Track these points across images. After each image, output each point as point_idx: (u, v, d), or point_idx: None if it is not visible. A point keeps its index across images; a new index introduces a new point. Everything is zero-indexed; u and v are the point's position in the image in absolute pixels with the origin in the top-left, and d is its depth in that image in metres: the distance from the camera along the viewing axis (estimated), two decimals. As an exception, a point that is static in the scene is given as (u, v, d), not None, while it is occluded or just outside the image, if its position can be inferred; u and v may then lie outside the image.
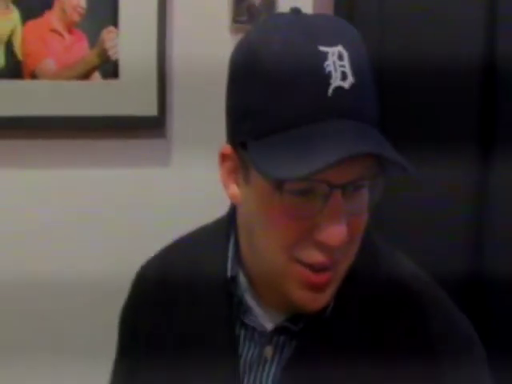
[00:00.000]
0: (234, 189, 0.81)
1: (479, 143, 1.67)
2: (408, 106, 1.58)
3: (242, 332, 0.87)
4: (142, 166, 1.31)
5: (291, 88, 0.72)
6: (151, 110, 1.26)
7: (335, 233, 0.72)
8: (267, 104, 0.73)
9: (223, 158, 0.81)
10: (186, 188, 1.31)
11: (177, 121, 1.31)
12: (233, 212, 0.91)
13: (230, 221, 0.92)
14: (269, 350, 0.84)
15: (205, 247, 0.94)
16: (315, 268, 0.76)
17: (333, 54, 0.72)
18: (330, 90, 0.71)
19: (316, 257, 0.75)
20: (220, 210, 0.94)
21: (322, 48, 0.72)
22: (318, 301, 0.78)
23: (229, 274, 0.87)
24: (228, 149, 0.79)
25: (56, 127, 1.26)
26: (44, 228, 1.32)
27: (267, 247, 0.77)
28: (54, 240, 1.32)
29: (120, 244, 1.32)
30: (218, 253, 0.90)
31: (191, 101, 1.31)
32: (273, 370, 0.85)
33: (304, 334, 0.83)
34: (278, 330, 0.84)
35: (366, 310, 0.84)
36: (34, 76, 1.22)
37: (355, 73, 0.72)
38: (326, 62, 0.71)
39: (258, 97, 0.74)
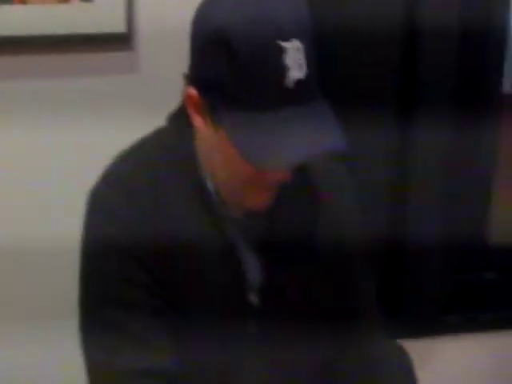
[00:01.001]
0: (201, 122, 0.95)
1: (399, 104, 1.72)
2: (331, 67, 1.58)
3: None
4: (112, 74, 1.47)
5: (258, 76, 0.87)
6: (120, 27, 1.42)
7: (286, 177, 0.97)
8: (235, 84, 0.87)
9: (189, 98, 0.95)
10: (153, 94, 1.47)
11: (143, 36, 1.46)
12: (177, 124, 1.05)
13: (180, 131, 1.03)
14: (245, 235, 1.06)
15: (163, 160, 1.04)
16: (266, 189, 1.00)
17: (292, 48, 0.86)
18: (289, 80, 0.87)
19: (268, 185, 0.98)
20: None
21: (282, 42, 0.86)
22: (266, 205, 1.02)
23: (208, 183, 1.03)
24: (194, 92, 0.93)
25: (36, 43, 1.39)
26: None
27: (229, 176, 0.98)
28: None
29: (91, 148, 1.46)
30: (187, 157, 1.03)
31: (158, 18, 1.45)
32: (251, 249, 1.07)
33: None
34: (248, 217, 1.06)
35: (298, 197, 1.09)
36: (22, 1, 1.36)
37: (308, 64, 0.88)
38: (286, 57, 0.86)
39: (226, 72, 0.88)
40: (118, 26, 1.40)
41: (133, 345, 1.02)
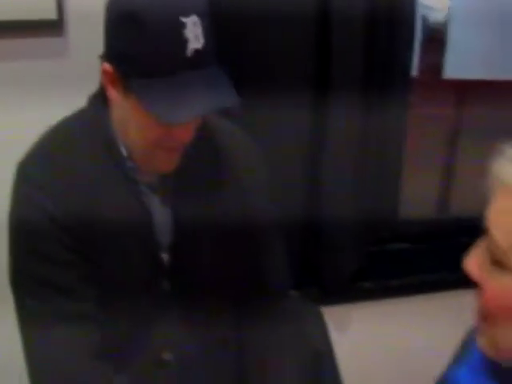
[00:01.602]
0: (114, 94, 1.09)
1: (314, 86, 1.76)
2: (247, 49, 1.63)
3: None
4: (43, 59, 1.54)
5: (163, 47, 1.01)
6: (51, 14, 1.49)
7: (189, 136, 1.11)
8: (143, 54, 1.01)
9: (104, 73, 1.08)
10: (82, 78, 1.51)
11: (73, 22, 1.52)
12: (96, 102, 1.17)
13: (98, 107, 1.17)
14: (158, 198, 1.19)
15: (83, 135, 1.17)
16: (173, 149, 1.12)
17: (190, 23, 1.01)
18: (189, 51, 1.01)
19: (174, 145, 1.11)
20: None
21: (182, 18, 1.01)
22: (172, 165, 1.15)
23: (123, 150, 1.16)
24: (108, 66, 1.07)
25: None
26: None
27: (140, 139, 1.11)
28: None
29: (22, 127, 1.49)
30: (103, 128, 1.16)
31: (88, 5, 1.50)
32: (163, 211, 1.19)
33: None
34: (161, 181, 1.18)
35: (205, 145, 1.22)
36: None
37: (205, 36, 1.02)
38: (185, 31, 1.01)
39: (136, 45, 1.01)
40: (49, 12, 1.47)
41: (57, 294, 1.14)
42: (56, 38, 1.52)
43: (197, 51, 1.02)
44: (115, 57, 1.06)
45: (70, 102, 1.26)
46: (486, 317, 0.87)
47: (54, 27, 1.50)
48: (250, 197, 1.27)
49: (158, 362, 1.22)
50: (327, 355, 1.54)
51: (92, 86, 1.21)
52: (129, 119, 1.11)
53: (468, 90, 2.31)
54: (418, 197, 2.16)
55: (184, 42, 1.01)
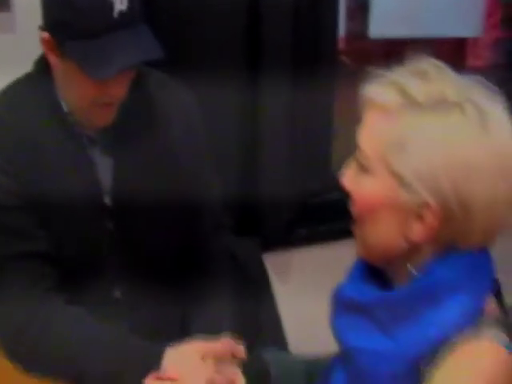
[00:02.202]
0: (54, 59, 1.24)
1: (247, 62, 1.85)
2: (180, 27, 1.71)
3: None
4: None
5: (91, 11, 1.14)
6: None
7: (121, 91, 1.24)
8: (74, 19, 1.15)
9: (43, 41, 1.22)
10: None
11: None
12: (40, 67, 1.30)
13: (42, 72, 1.29)
14: (99, 148, 1.33)
15: (29, 95, 1.30)
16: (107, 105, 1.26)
17: None
18: (115, 12, 1.15)
19: (109, 100, 1.25)
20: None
21: None
22: (108, 120, 1.29)
23: (64, 107, 1.30)
24: (46, 35, 1.21)
25: None
26: None
27: (78, 97, 1.25)
28: None
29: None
30: (45, 96, 1.29)
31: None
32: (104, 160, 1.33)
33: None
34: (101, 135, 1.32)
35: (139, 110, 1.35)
36: None
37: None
38: None
39: (66, 12, 1.15)
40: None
41: (11, 236, 1.27)
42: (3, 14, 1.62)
43: (121, 12, 1.16)
44: (50, 25, 1.21)
45: (16, 74, 1.36)
46: (358, 220, 1.01)
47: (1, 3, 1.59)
48: (182, 143, 1.40)
49: (108, 299, 1.37)
50: (263, 283, 1.71)
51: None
52: (68, 80, 1.25)
53: (393, 50, 2.47)
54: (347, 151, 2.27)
55: (109, 4, 1.15)
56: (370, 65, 1.01)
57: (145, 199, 1.35)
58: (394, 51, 2.44)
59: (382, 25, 2.32)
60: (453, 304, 0.93)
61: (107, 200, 1.34)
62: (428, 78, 0.95)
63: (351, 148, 1.02)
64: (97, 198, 1.33)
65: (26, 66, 1.37)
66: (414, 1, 2.35)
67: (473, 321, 0.94)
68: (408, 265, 0.98)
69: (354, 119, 1.03)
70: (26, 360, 1.25)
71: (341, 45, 2.16)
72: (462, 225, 0.93)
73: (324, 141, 2.16)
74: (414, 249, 0.97)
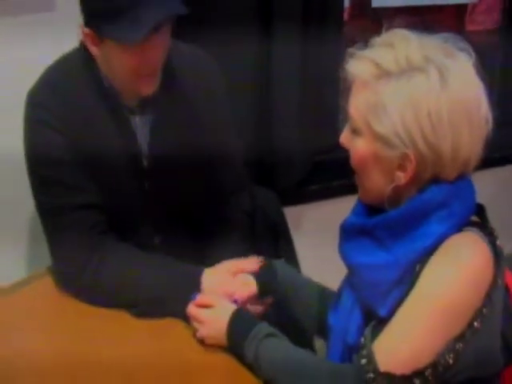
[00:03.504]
0: (95, 50, 1.43)
1: (260, 21, 1.96)
2: None
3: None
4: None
5: None
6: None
7: (157, 56, 1.41)
8: (106, 7, 1.32)
9: (85, 35, 1.42)
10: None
11: None
12: (84, 50, 1.46)
13: (85, 57, 1.46)
14: (138, 119, 1.52)
15: (78, 70, 1.50)
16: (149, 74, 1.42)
17: None
18: None
19: (149, 70, 1.42)
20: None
21: None
22: (152, 88, 1.47)
23: (105, 83, 1.48)
24: (87, 30, 1.41)
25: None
26: None
27: (122, 73, 1.43)
28: None
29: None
30: (92, 72, 1.48)
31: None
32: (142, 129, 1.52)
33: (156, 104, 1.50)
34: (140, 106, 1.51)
35: (183, 80, 1.54)
36: None
37: None
38: None
39: (99, 2, 1.34)
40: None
41: (68, 189, 1.47)
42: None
43: None
44: (89, 19, 1.40)
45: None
46: (356, 172, 1.22)
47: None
48: (207, 109, 1.59)
49: (149, 245, 1.58)
50: (282, 225, 1.92)
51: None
52: (110, 62, 1.44)
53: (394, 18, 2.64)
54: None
55: None
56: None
57: (176, 162, 1.55)
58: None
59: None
60: (441, 218, 1.15)
61: (144, 161, 1.55)
62: (394, 48, 1.15)
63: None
64: (136, 160, 1.54)
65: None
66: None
67: (458, 229, 1.16)
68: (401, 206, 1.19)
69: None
70: (87, 293, 1.46)
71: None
72: (435, 164, 1.14)
73: (332, 104, 2.28)
74: (401, 189, 1.18)
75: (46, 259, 1.56)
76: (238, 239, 1.63)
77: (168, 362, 1.31)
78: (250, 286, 1.47)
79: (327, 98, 2.27)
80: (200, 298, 1.42)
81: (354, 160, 1.21)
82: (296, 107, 2.16)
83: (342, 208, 2.24)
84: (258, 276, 1.49)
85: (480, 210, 1.22)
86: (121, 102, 1.50)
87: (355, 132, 1.19)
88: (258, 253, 1.58)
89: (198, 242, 1.65)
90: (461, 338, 1.12)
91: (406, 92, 1.12)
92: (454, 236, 1.14)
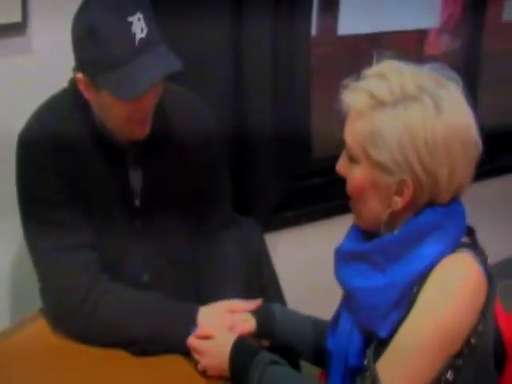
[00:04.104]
0: (89, 94, 1.43)
1: (231, 5, 1.95)
2: None
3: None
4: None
5: (118, 44, 1.31)
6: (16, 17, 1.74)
7: (150, 105, 1.43)
8: (103, 57, 1.32)
9: (78, 81, 1.42)
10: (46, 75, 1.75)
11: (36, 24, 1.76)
12: (74, 87, 1.46)
13: (76, 97, 1.45)
14: (130, 158, 1.53)
15: (70, 111, 1.50)
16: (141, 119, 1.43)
17: (135, 19, 1.32)
18: (137, 41, 1.33)
19: (142, 116, 1.44)
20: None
21: (129, 18, 1.31)
22: (144, 133, 1.48)
23: (97, 123, 1.48)
24: (80, 75, 1.41)
25: None
26: None
27: (115, 119, 1.44)
28: None
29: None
30: (84, 113, 1.49)
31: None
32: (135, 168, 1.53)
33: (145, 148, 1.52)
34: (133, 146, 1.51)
35: (170, 124, 1.55)
36: None
37: (148, 24, 1.34)
38: (132, 27, 1.32)
39: (97, 52, 1.32)
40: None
41: (58, 228, 1.46)
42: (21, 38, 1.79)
43: (142, 39, 1.32)
44: (82, 64, 1.40)
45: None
46: (352, 200, 1.26)
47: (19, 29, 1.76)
48: (198, 152, 1.62)
49: (139, 283, 1.59)
50: (264, 254, 1.96)
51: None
52: (103, 108, 1.45)
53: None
54: (324, 136, 2.42)
55: (132, 36, 1.31)
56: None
57: (167, 202, 1.58)
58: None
59: (348, 22, 2.53)
60: (436, 240, 1.19)
61: (137, 203, 1.57)
62: (388, 79, 1.19)
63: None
64: (128, 200, 1.56)
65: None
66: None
67: (451, 251, 1.20)
68: (395, 231, 1.23)
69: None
70: (83, 333, 1.46)
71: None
72: (432, 189, 1.19)
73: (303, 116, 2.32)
74: (397, 213, 1.22)
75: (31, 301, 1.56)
76: (234, 276, 1.66)
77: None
78: (249, 323, 1.50)
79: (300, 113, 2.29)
80: (200, 330, 1.43)
81: (352, 187, 1.25)
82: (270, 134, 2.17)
83: (318, 233, 2.50)
84: (257, 315, 1.52)
85: (469, 231, 1.27)
86: (113, 143, 1.52)
87: (352, 160, 1.23)
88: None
89: (188, 278, 1.67)
90: (459, 354, 1.16)
91: (402, 120, 1.16)
92: (448, 257, 1.19)
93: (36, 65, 1.82)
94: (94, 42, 1.33)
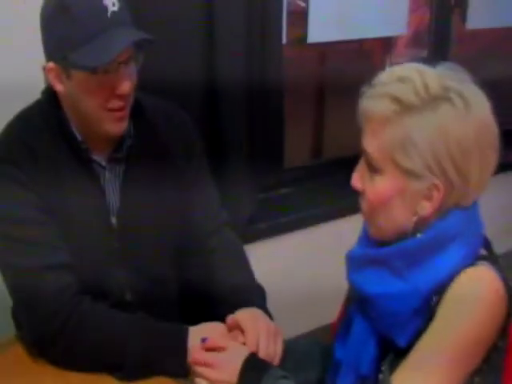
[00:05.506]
0: (60, 86, 1.38)
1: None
2: None
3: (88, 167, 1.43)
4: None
5: (90, 19, 1.29)
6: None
7: (126, 86, 1.36)
8: (75, 34, 1.29)
9: (48, 70, 1.36)
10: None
11: None
12: (49, 98, 1.42)
13: (50, 106, 1.41)
14: (107, 174, 1.46)
15: (45, 123, 1.42)
16: (118, 109, 1.37)
17: None
18: (109, 14, 1.31)
19: (118, 103, 1.38)
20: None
21: None
22: (121, 127, 1.42)
23: (77, 135, 1.42)
24: (50, 64, 1.35)
25: None
26: None
27: (91, 109, 1.37)
28: None
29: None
30: (59, 125, 1.41)
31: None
32: (112, 185, 1.46)
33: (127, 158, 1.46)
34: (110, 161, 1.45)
35: (151, 127, 1.50)
36: None
37: (119, 1, 1.32)
38: (104, 0, 1.30)
39: (70, 30, 1.29)
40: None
41: (37, 247, 1.37)
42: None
43: (114, 12, 1.32)
44: (54, 50, 1.34)
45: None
46: (371, 212, 1.20)
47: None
48: (181, 165, 1.55)
49: (121, 302, 1.49)
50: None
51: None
52: (77, 97, 1.37)
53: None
54: (295, 148, 2.46)
55: (104, 8, 1.31)
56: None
57: (147, 220, 1.50)
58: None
59: (318, 30, 2.50)
60: (456, 250, 1.15)
61: (114, 221, 1.48)
62: (410, 81, 1.14)
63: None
64: (104, 219, 1.47)
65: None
66: (345, 6, 2.53)
67: (471, 262, 1.16)
68: (418, 234, 1.19)
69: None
70: (65, 358, 1.37)
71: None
72: (462, 190, 1.15)
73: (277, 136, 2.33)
74: (422, 220, 1.17)
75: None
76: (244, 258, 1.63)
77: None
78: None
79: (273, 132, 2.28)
80: (211, 341, 1.34)
81: (373, 199, 1.18)
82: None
83: (289, 244, 2.47)
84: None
85: (486, 242, 1.23)
86: (90, 157, 1.44)
87: (374, 170, 1.17)
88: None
89: (173, 298, 1.60)
90: (479, 372, 1.11)
91: (433, 123, 1.11)
92: (469, 269, 1.14)
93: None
94: (66, 18, 1.30)
